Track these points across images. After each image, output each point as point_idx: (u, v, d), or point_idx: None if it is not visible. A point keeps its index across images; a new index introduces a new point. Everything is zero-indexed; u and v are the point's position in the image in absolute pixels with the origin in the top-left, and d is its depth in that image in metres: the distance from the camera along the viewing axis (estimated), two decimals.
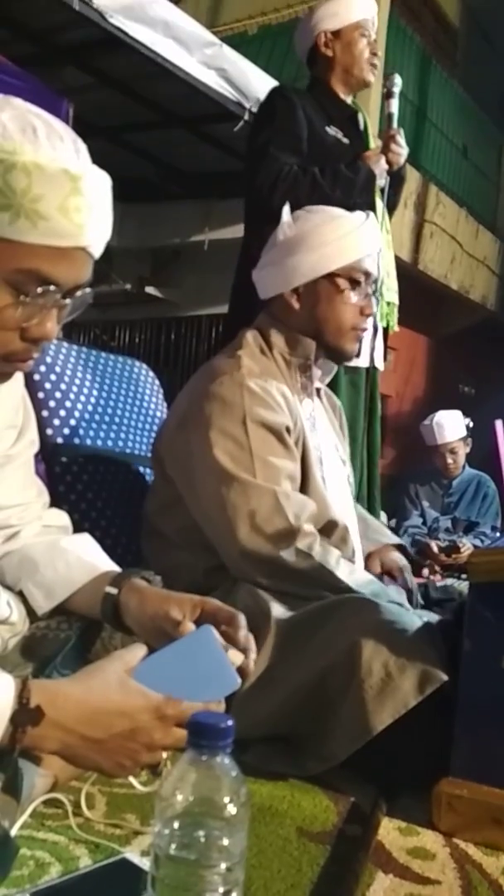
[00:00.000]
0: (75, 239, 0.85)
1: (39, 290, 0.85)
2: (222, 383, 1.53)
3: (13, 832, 0.88)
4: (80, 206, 0.84)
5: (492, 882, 1.01)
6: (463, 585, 2.70)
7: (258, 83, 3.82)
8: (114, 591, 1.03)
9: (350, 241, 1.62)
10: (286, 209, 1.68)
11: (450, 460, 4.21)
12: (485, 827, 1.10)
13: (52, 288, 0.85)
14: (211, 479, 1.48)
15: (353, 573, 1.48)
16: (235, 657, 0.91)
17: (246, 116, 3.81)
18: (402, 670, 1.22)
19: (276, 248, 1.66)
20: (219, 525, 1.48)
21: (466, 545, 3.60)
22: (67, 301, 0.89)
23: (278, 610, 1.38)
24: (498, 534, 3.93)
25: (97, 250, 0.89)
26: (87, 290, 0.91)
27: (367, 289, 1.66)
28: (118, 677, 0.84)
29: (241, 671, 0.90)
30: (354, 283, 1.62)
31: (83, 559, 1.09)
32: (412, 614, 1.35)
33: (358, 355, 2.44)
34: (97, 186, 0.87)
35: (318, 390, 1.76)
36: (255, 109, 3.79)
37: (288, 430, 1.54)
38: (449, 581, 3.09)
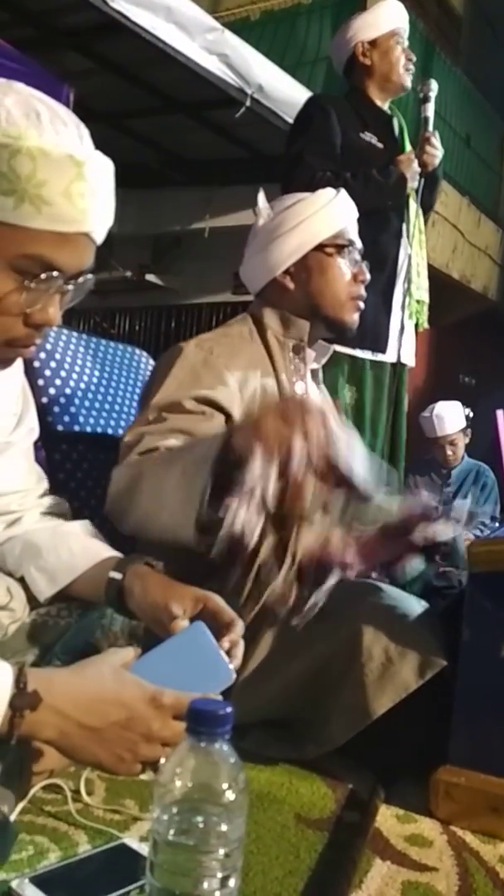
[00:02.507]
0: (79, 224, 0.85)
1: (43, 275, 0.85)
2: (171, 355, 1.51)
3: (12, 817, 0.89)
4: (83, 192, 0.83)
5: (489, 869, 1.01)
6: (463, 573, 2.70)
7: (260, 69, 3.79)
8: (118, 576, 1.03)
9: (328, 212, 1.64)
10: (261, 194, 1.69)
11: (449, 452, 4.21)
12: (482, 815, 1.11)
13: (55, 273, 0.85)
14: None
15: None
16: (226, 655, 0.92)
17: (248, 103, 3.78)
18: (402, 655, 1.23)
19: (258, 238, 1.67)
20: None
21: (467, 534, 3.60)
22: (70, 286, 0.89)
23: None
24: (497, 524, 3.93)
25: (100, 236, 0.89)
26: (89, 276, 0.90)
27: (356, 255, 1.66)
28: (113, 669, 0.84)
29: None
30: (341, 249, 1.63)
31: (86, 545, 1.09)
32: (412, 599, 1.35)
33: (383, 350, 2.46)
34: (101, 172, 0.86)
35: (314, 373, 1.76)
36: (256, 95, 3.77)
37: (205, 399, 1.40)
38: (449, 568, 3.09)
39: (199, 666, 0.88)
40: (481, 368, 7.49)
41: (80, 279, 0.90)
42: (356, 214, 1.71)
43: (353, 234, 1.66)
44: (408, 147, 2.60)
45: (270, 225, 1.65)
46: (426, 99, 2.62)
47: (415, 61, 2.63)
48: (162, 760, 0.79)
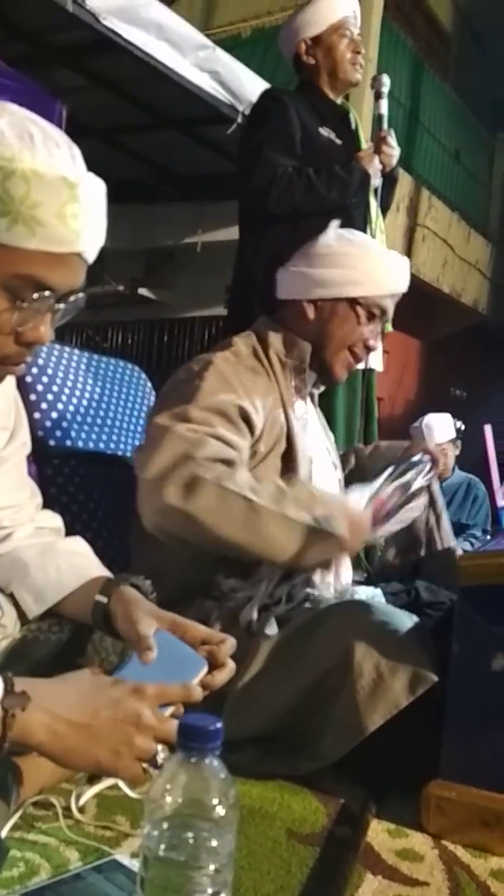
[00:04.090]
0: (71, 245, 0.86)
1: (35, 295, 0.86)
2: (190, 369, 1.54)
3: (3, 834, 0.89)
4: (76, 213, 0.85)
5: (479, 884, 1.01)
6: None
7: (251, 86, 3.82)
8: (103, 599, 1.03)
9: (384, 275, 1.65)
10: (335, 224, 1.68)
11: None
12: (473, 829, 1.11)
13: (47, 293, 0.86)
14: (149, 436, 1.45)
15: (254, 487, 1.35)
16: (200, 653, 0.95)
17: (239, 119, 3.81)
18: (393, 672, 1.23)
19: (309, 257, 1.66)
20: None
21: (458, 550, 3.61)
22: (61, 306, 0.90)
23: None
24: (488, 536, 3.94)
25: (91, 256, 0.90)
26: (80, 294, 0.92)
27: (379, 325, 1.68)
28: (92, 675, 0.86)
29: (204, 685, 0.92)
30: (371, 317, 1.65)
31: (74, 564, 1.10)
32: (404, 615, 1.36)
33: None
34: (93, 193, 0.88)
35: (311, 396, 1.77)
36: (248, 112, 3.80)
37: (242, 410, 1.48)
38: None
39: (171, 663, 0.91)
40: (472, 382, 7.53)
41: (72, 298, 0.91)
42: (407, 284, 1.71)
43: (390, 303, 1.67)
44: (364, 144, 2.49)
45: (329, 253, 1.65)
46: (379, 95, 2.47)
47: (363, 53, 2.46)
48: (159, 758, 0.79)
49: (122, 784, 1.07)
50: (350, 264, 1.63)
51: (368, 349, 1.68)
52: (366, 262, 1.64)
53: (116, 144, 4.48)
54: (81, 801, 1.06)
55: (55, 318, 0.91)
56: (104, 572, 1.10)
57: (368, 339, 1.66)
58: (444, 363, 7.29)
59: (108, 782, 1.08)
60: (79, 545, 1.16)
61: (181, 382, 1.52)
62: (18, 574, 1.08)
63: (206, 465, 1.33)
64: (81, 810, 1.06)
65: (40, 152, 0.83)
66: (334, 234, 1.67)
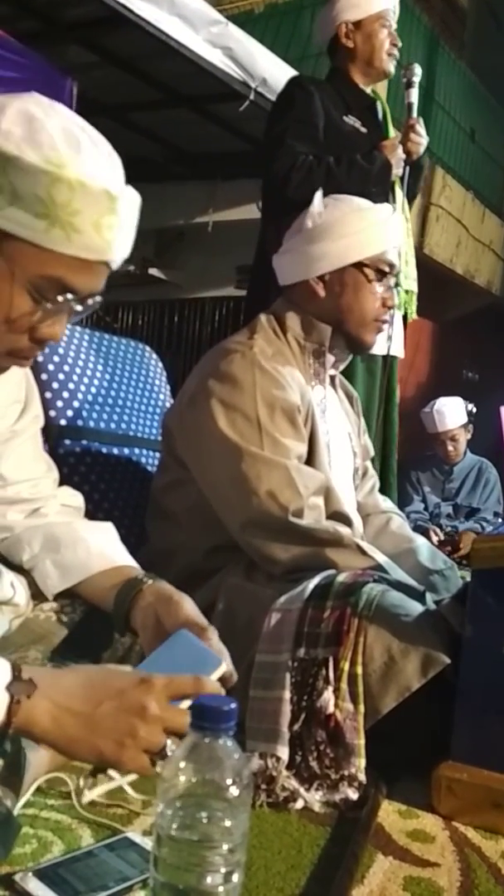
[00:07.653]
0: (102, 254, 0.89)
1: (60, 298, 0.87)
2: (233, 361, 1.53)
3: (16, 811, 0.89)
4: (112, 225, 0.87)
5: (490, 865, 1.01)
6: (465, 572, 2.70)
7: (264, 62, 3.78)
8: (125, 602, 1.04)
9: (379, 232, 1.63)
10: (318, 195, 1.67)
11: (450, 447, 4.21)
12: (484, 810, 1.11)
13: (70, 296, 0.88)
14: (219, 453, 1.48)
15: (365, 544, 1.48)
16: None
17: (251, 96, 3.77)
18: (404, 654, 1.22)
19: (301, 235, 1.65)
20: (227, 497, 1.48)
21: (468, 536, 3.61)
22: (80, 307, 0.92)
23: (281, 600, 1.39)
24: (500, 520, 3.93)
25: (117, 264, 0.93)
26: (98, 297, 0.94)
27: (390, 281, 1.67)
28: (99, 666, 0.86)
29: (224, 680, 0.92)
30: (381, 274, 1.64)
31: (103, 548, 1.11)
32: (414, 601, 1.35)
33: None
34: (130, 206, 0.90)
35: (332, 378, 1.76)
36: (260, 89, 3.77)
37: (298, 410, 1.53)
38: None
39: (188, 661, 0.91)
40: (485, 364, 7.47)
41: (90, 301, 0.93)
42: (402, 236, 1.71)
43: (393, 256, 1.66)
44: (391, 132, 2.54)
45: (320, 225, 1.63)
46: (410, 84, 2.52)
47: (400, 46, 2.53)
48: (169, 750, 0.78)
49: (126, 786, 1.06)
50: (346, 230, 1.61)
51: (388, 307, 1.66)
52: (361, 223, 1.62)
53: (127, 122, 4.45)
54: (91, 795, 1.06)
55: (70, 318, 0.93)
56: (129, 562, 1.11)
57: (386, 299, 1.65)
58: (457, 345, 7.24)
59: (111, 784, 1.07)
60: (108, 532, 1.17)
61: (233, 385, 1.50)
62: (49, 548, 1.09)
63: (315, 510, 1.45)
64: (93, 788, 1.06)
65: (87, 162, 0.85)
66: (320, 204, 1.65)
